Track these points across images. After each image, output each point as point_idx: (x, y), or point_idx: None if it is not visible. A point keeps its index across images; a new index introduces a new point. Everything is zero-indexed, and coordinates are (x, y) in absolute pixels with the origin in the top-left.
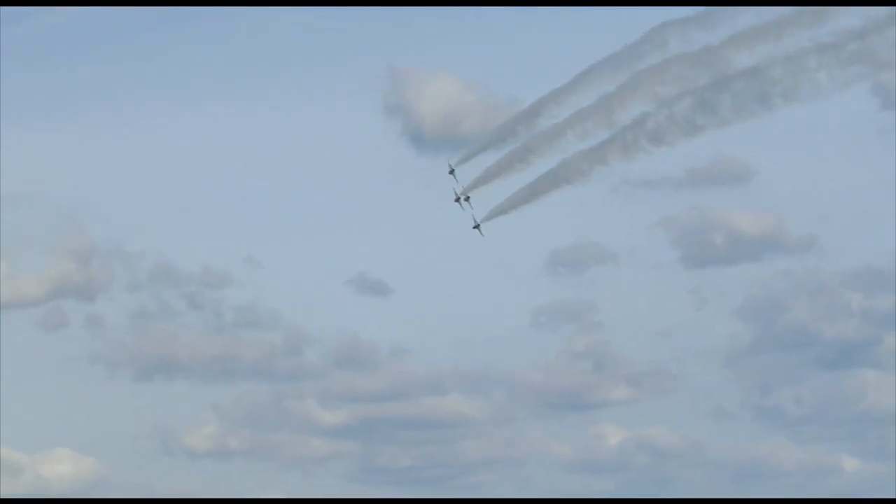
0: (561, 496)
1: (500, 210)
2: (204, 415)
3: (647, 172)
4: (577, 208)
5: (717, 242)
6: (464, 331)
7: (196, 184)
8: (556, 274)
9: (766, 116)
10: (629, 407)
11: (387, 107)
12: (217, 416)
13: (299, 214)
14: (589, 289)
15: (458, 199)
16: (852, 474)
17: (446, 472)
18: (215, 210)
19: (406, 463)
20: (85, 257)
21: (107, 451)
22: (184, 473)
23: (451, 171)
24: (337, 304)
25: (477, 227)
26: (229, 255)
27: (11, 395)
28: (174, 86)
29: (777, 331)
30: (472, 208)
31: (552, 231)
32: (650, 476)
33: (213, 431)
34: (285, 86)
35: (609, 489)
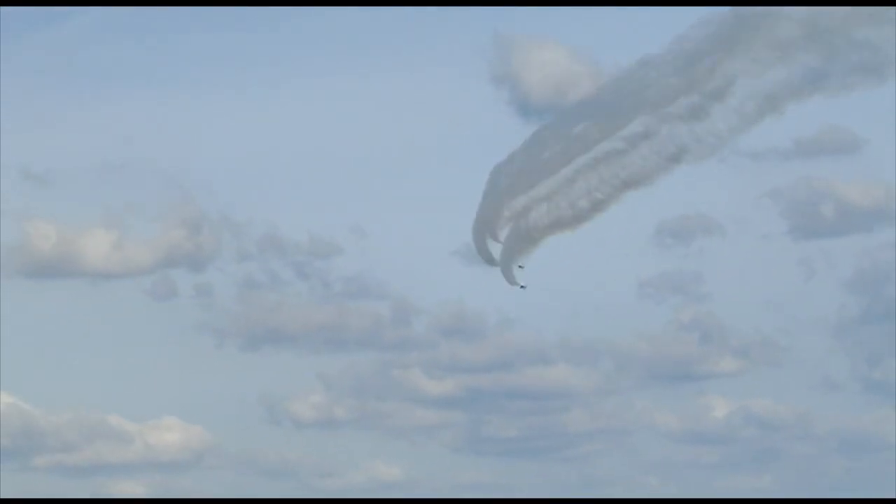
0: (667, 467)
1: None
2: (310, 384)
3: (755, 143)
4: (684, 179)
5: (825, 214)
6: (571, 301)
7: (303, 153)
8: (662, 245)
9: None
10: (736, 378)
11: (493, 76)
12: (323, 385)
13: (405, 184)
14: (696, 260)
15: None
16: None
17: (552, 443)
18: (322, 179)
19: (512, 433)
20: (194, 227)
21: (214, 419)
22: (290, 442)
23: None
24: (443, 275)
25: (523, 286)
26: (336, 224)
27: (121, 364)
28: (283, 54)
29: (887, 302)
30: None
31: (659, 202)
32: (756, 447)
33: (320, 401)
34: (391, 54)
35: (714, 460)
